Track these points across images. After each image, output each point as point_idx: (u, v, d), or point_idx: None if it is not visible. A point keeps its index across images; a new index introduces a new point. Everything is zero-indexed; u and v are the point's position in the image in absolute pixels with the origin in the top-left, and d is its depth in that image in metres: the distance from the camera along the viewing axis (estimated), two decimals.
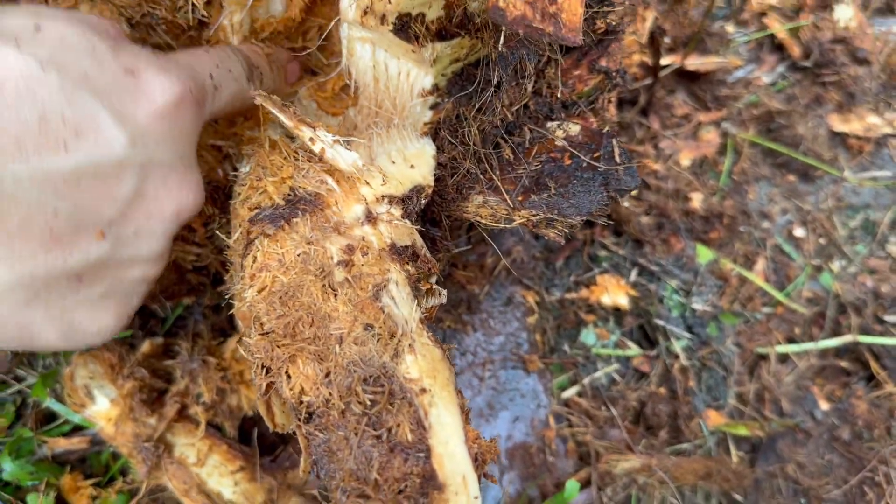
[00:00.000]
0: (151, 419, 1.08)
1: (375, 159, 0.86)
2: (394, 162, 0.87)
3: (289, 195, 0.79)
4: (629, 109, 1.44)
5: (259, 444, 1.13)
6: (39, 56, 0.55)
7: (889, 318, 1.43)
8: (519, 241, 1.25)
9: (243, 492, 1.06)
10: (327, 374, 0.63)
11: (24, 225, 0.56)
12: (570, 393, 1.25)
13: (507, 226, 0.91)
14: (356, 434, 0.59)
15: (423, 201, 0.85)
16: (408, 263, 0.76)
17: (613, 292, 1.26)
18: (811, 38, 1.58)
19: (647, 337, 1.31)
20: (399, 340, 0.65)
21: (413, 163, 0.88)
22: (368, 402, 0.60)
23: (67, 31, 0.58)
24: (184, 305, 1.19)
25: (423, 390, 0.62)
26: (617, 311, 1.29)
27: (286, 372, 0.66)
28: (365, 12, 0.83)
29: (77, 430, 1.14)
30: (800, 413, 1.33)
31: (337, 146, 0.80)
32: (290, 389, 0.64)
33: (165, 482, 1.07)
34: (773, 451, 1.31)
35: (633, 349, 1.29)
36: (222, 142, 0.93)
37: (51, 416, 1.15)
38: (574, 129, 0.92)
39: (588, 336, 1.28)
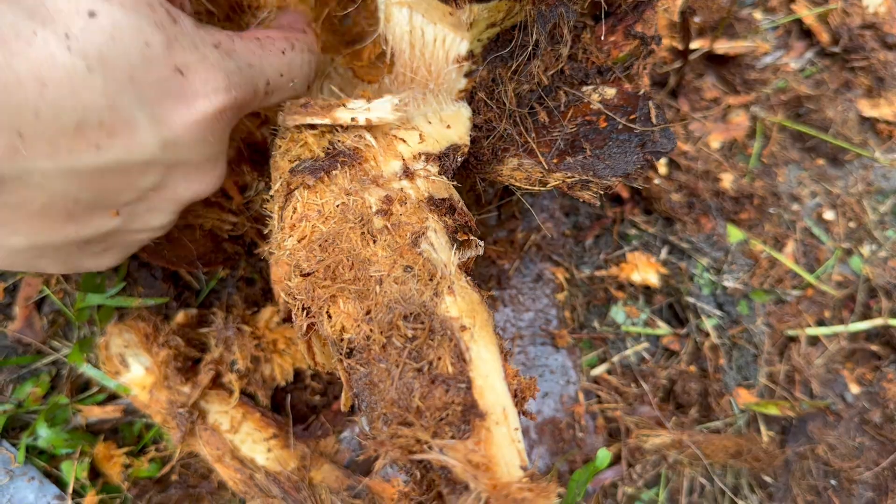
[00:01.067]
0: (185, 387, 1.09)
1: (412, 119, 0.87)
2: (430, 122, 0.88)
3: (328, 148, 0.80)
4: (659, 91, 1.44)
5: (292, 413, 1.14)
6: (88, 53, 0.53)
7: None
8: (549, 218, 1.26)
9: (276, 458, 1.07)
10: (368, 312, 0.64)
11: (46, 209, 0.58)
12: (599, 370, 1.25)
13: (542, 188, 0.92)
14: (397, 366, 0.59)
15: (459, 159, 0.86)
16: (445, 215, 0.77)
17: (643, 270, 1.26)
18: (840, 24, 1.58)
19: (677, 316, 1.30)
20: (438, 282, 0.66)
21: (449, 123, 0.89)
22: (409, 336, 0.61)
23: (123, 20, 0.55)
24: (218, 277, 1.20)
25: (463, 327, 0.63)
26: (647, 289, 1.29)
27: (327, 311, 0.67)
28: None
29: (111, 399, 1.15)
30: (830, 395, 1.33)
31: (374, 104, 0.82)
32: (332, 327, 0.65)
33: (199, 449, 1.08)
34: (803, 432, 1.30)
35: (663, 328, 1.28)
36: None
37: (84, 386, 1.17)
38: (610, 92, 0.93)
39: (618, 314, 1.28)
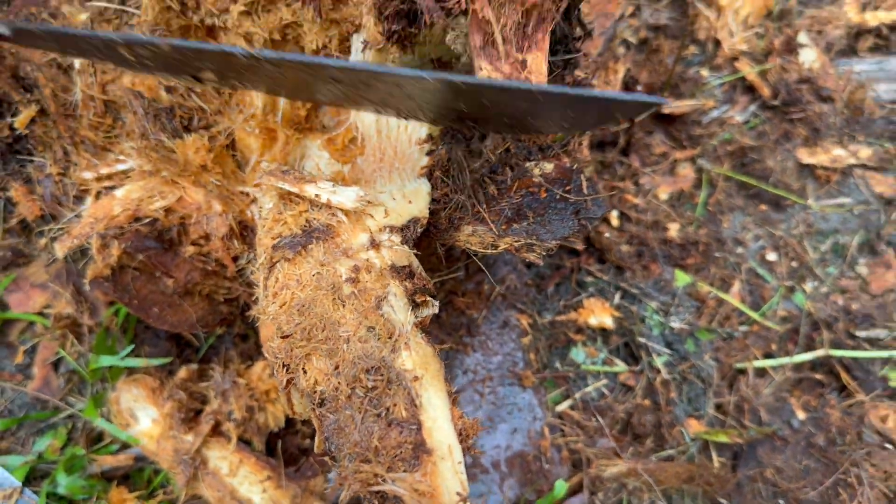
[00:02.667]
0: (189, 436, 1.22)
1: (379, 196, 1.02)
2: (394, 198, 1.03)
3: (305, 226, 0.95)
4: (611, 150, 1.59)
5: (284, 456, 1.27)
6: None
7: (860, 333, 1.55)
8: (512, 270, 1.40)
9: (271, 497, 1.20)
10: (336, 367, 0.78)
11: None
12: (563, 406, 1.38)
13: (494, 251, 1.07)
14: (360, 412, 0.73)
15: (419, 230, 1.01)
16: (405, 280, 0.91)
17: (599, 314, 1.40)
18: (779, 80, 1.73)
19: (633, 354, 1.44)
20: (396, 339, 0.80)
21: (411, 199, 1.04)
22: (370, 387, 0.75)
23: None
24: (216, 335, 1.34)
25: (416, 378, 0.76)
26: (603, 331, 1.43)
27: (303, 368, 0.81)
28: None
29: (123, 448, 1.28)
30: (778, 422, 1.45)
31: (340, 189, 0.97)
32: (307, 381, 0.79)
33: (202, 491, 1.21)
34: (753, 456, 1.42)
35: (620, 365, 1.42)
36: (250, 188, 1.09)
37: (98, 437, 1.30)
38: (548, 167, 1.07)
39: (578, 354, 1.41)
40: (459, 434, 0.77)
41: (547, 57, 0.80)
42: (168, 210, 1.04)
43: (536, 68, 0.79)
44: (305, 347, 0.81)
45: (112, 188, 1.09)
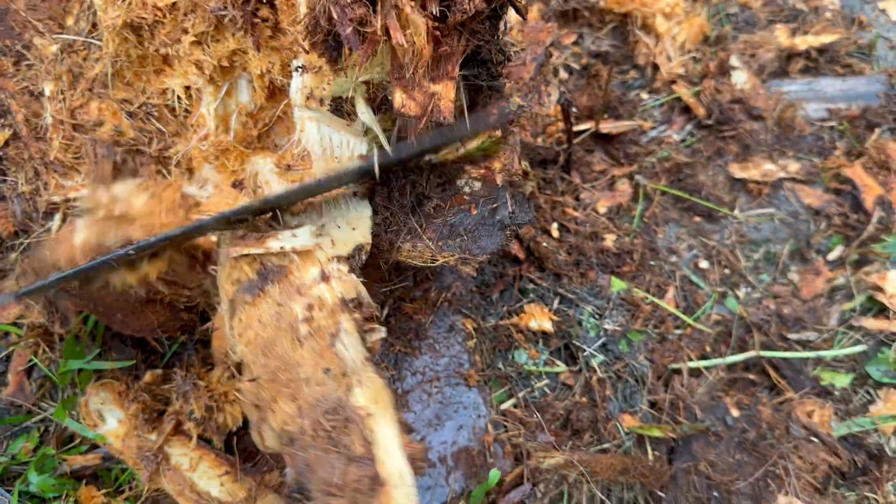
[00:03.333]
0: (152, 435, 1.31)
1: (326, 226, 1.13)
2: (339, 227, 1.14)
3: (260, 269, 1.05)
4: (552, 167, 1.70)
5: (241, 453, 1.36)
6: None
7: (791, 335, 1.66)
8: (458, 278, 1.50)
9: (228, 490, 1.28)
10: (300, 409, 0.89)
11: None
12: (507, 405, 1.47)
13: (433, 265, 1.18)
14: (324, 451, 0.85)
15: (363, 257, 1.12)
16: (355, 311, 1.02)
17: (539, 318, 1.50)
18: (713, 100, 1.86)
19: (572, 355, 1.54)
20: (349, 377, 0.91)
21: (355, 225, 1.15)
22: (330, 428, 0.86)
23: None
24: (179, 342, 1.43)
25: (369, 414, 0.87)
26: (544, 334, 1.53)
27: (271, 409, 0.92)
28: (308, 97, 1.11)
29: (91, 448, 1.37)
30: (712, 419, 1.55)
31: (298, 233, 1.07)
32: (276, 422, 0.91)
33: (164, 486, 1.29)
34: (687, 451, 1.52)
35: (560, 366, 1.52)
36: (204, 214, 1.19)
37: (69, 439, 1.38)
38: (477, 185, 1.18)
39: (520, 356, 1.51)
40: (410, 458, 0.87)
41: (456, 84, 0.92)
42: None
43: (446, 96, 0.90)
44: (271, 390, 0.92)
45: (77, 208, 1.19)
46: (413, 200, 1.20)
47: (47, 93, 1.30)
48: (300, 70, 1.05)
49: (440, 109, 0.96)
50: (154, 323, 1.28)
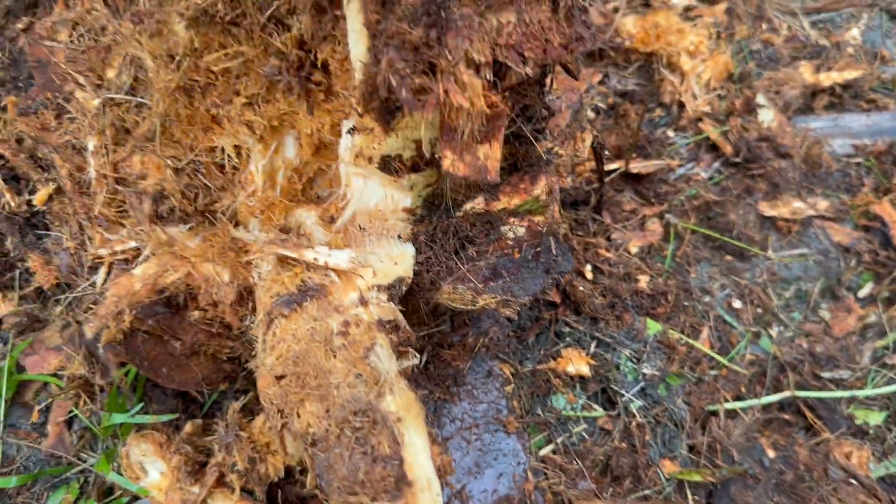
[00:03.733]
0: (195, 487, 1.31)
1: (368, 258, 1.14)
2: (382, 261, 1.14)
3: (300, 285, 1.06)
4: (584, 208, 1.71)
5: (282, 503, 1.36)
6: None
7: (825, 374, 1.66)
8: (495, 323, 1.50)
9: None
10: (327, 410, 0.89)
11: None
12: (546, 451, 1.47)
13: (473, 307, 1.18)
14: (348, 450, 0.84)
15: (403, 289, 1.12)
16: (391, 332, 1.02)
17: (577, 362, 1.50)
18: (740, 138, 1.87)
19: (610, 399, 1.54)
20: (381, 385, 0.91)
21: (397, 261, 1.16)
22: (357, 427, 0.85)
23: None
24: (220, 391, 1.43)
25: (399, 419, 0.87)
26: (581, 379, 1.53)
27: (297, 412, 0.91)
28: (357, 156, 1.11)
29: (133, 500, 1.37)
30: (749, 461, 1.54)
31: (334, 253, 1.08)
32: (300, 424, 0.90)
33: None
34: (726, 494, 1.51)
35: (598, 410, 1.52)
36: (252, 256, 1.20)
37: (109, 491, 1.38)
38: (521, 230, 1.19)
39: (558, 401, 1.51)
40: (437, 470, 0.87)
41: (501, 145, 0.93)
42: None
43: (493, 157, 0.91)
44: (299, 394, 0.92)
45: (125, 261, 1.20)
46: (456, 243, 1.21)
47: (91, 147, 1.30)
48: (352, 131, 1.06)
49: (487, 170, 0.97)
50: (199, 376, 1.28)
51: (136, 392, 1.39)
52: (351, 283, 1.10)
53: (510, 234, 1.20)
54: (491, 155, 0.94)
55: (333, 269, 1.10)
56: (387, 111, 0.98)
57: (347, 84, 1.03)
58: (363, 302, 1.08)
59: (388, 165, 1.13)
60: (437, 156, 1.11)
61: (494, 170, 0.93)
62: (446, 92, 0.89)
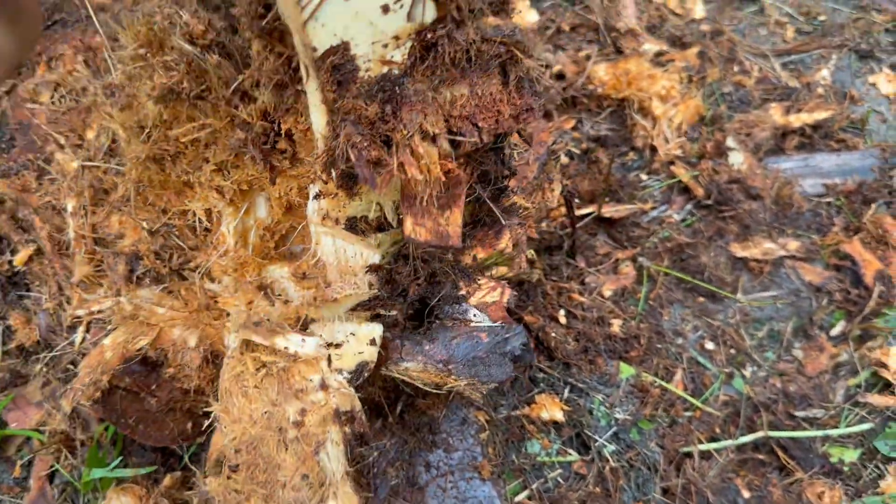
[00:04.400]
0: None
1: (335, 336, 1.17)
2: (347, 340, 1.18)
3: (262, 367, 1.09)
4: (558, 253, 1.75)
5: None
6: None
7: (798, 413, 1.68)
8: None
9: None
10: None
11: None
12: (521, 497, 1.49)
13: (439, 390, 1.22)
14: None
15: (365, 374, 1.16)
16: (346, 424, 1.06)
17: (551, 408, 1.53)
18: (710, 181, 1.91)
19: (584, 444, 1.56)
20: (326, 489, 0.94)
21: (363, 341, 1.19)
22: None
23: None
24: (198, 443, 1.46)
25: None
26: (555, 424, 1.55)
27: None
28: (324, 217, 1.15)
29: None
30: (724, 502, 1.56)
31: (307, 342, 1.12)
32: None
33: None
34: None
35: (573, 455, 1.54)
36: (226, 324, 1.24)
37: None
38: (486, 319, 1.22)
39: (533, 446, 1.54)
40: None
41: (462, 212, 0.96)
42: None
43: (454, 222, 0.95)
44: (246, 488, 0.96)
45: (101, 321, 1.23)
46: (425, 323, 1.25)
47: (69, 209, 1.34)
48: (318, 196, 1.09)
49: (449, 235, 1.01)
50: (175, 432, 1.31)
51: (115, 446, 1.42)
52: (315, 366, 1.13)
53: (475, 320, 1.24)
54: (452, 220, 0.97)
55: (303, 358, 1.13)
56: (349, 178, 1.02)
57: (311, 151, 1.07)
58: (324, 386, 1.11)
59: (355, 226, 1.17)
60: (400, 217, 1.15)
61: (456, 235, 0.97)
62: (401, 164, 0.93)
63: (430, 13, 0.89)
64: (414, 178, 0.94)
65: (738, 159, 1.94)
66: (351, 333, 1.17)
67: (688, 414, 1.64)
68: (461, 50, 0.91)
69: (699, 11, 2.29)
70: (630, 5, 2.13)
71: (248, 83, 1.02)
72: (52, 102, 1.51)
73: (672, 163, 1.96)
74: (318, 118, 0.96)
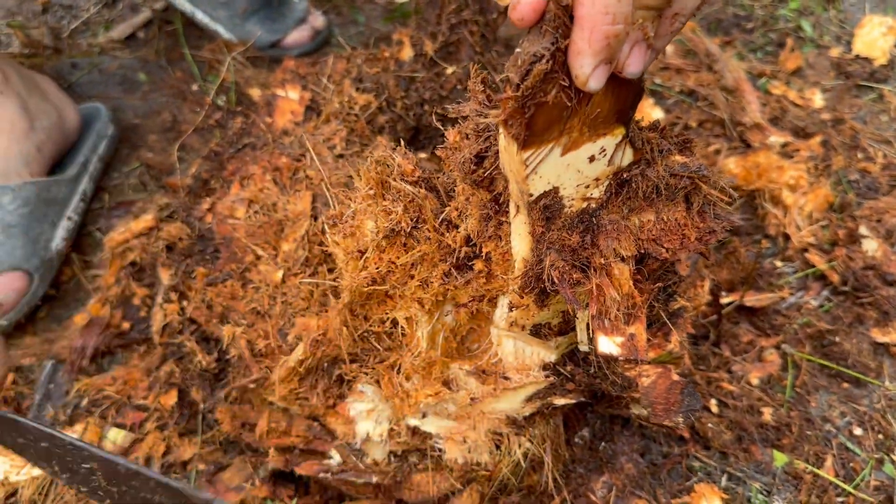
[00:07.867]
0: None
1: None
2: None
3: None
4: (703, 342, 1.83)
5: None
6: None
7: None
8: (629, 460, 1.62)
9: None
10: None
11: None
12: None
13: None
14: None
15: None
16: None
17: (709, 497, 1.60)
18: (846, 268, 1.97)
19: None
20: None
21: None
22: None
23: None
24: None
25: None
26: None
27: None
28: (511, 324, 1.29)
29: None
30: None
31: None
32: None
33: None
34: None
35: None
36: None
37: None
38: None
39: None
40: None
41: (645, 324, 1.08)
42: None
43: (639, 334, 1.07)
44: None
45: None
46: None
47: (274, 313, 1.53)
48: (509, 307, 1.24)
49: (637, 349, 1.13)
50: None
51: None
52: None
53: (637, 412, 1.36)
54: (638, 334, 1.09)
55: None
56: (543, 294, 1.16)
57: (506, 271, 1.21)
58: None
59: (539, 332, 1.30)
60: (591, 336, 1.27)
61: (643, 348, 1.08)
62: (598, 286, 1.06)
63: (627, 157, 1.03)
64: (611, 296, 1.07)
65: (871, 246, 2.00)
66: None
67: (840, 500, 1.68)
68: (651, 185, 1.05)
69: (818, 101, 2.38)
70: (754, 100, 2.24)
71: (453, 214, 1.19)
72: (247, 217, 1.72)
73: (806, 250, 2.04)
74: (523, 245, 1.10)
